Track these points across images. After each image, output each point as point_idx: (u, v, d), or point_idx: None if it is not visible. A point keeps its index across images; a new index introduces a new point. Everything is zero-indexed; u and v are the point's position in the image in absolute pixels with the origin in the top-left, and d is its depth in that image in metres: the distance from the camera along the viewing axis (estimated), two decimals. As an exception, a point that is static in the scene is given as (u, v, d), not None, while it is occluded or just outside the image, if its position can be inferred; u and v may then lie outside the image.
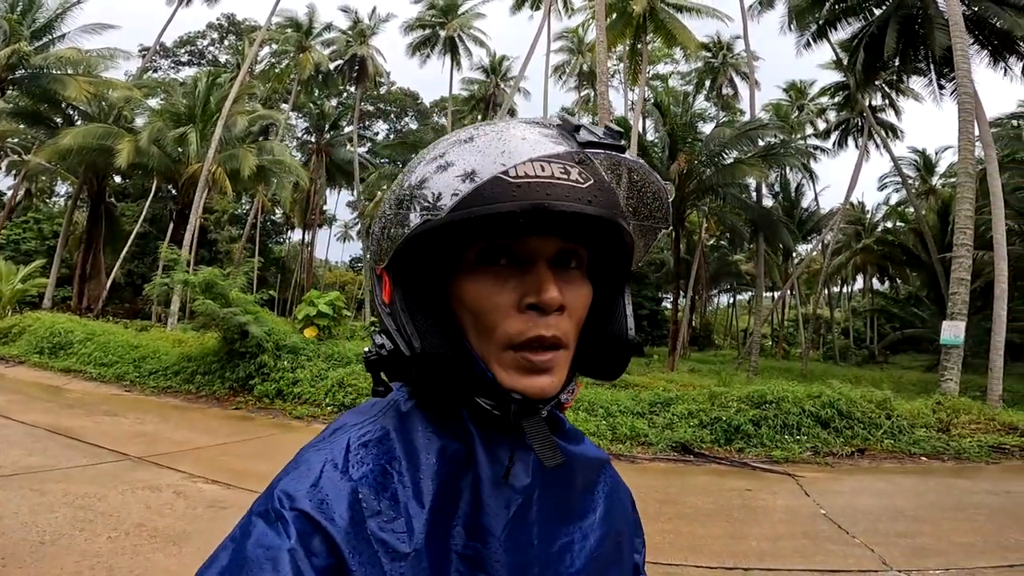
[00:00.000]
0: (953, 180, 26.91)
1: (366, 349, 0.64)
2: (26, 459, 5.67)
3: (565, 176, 0.55)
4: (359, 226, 39.43)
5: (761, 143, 20.15)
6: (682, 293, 24.14)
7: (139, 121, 23.71)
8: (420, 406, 0.62)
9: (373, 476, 0.56)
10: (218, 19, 46.62)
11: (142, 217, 28.28)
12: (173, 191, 25.07)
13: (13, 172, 24.50)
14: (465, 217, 0.53)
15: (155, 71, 43.06)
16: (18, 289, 18.41)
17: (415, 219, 0.55)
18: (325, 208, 47.04)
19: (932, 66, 19.06)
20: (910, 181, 31.48)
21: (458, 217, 0.53)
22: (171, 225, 23.21)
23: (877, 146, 27.57)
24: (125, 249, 26.20)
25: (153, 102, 25.90)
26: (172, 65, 46.63)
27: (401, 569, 0.52)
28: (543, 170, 0.55)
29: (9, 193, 27.92)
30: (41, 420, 7.39)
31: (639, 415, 8.44)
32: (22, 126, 22.77)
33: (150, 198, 28.42)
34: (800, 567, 3.98)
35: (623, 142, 0.53)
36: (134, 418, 8.14)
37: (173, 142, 21.33)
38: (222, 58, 44.90)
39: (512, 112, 35.98)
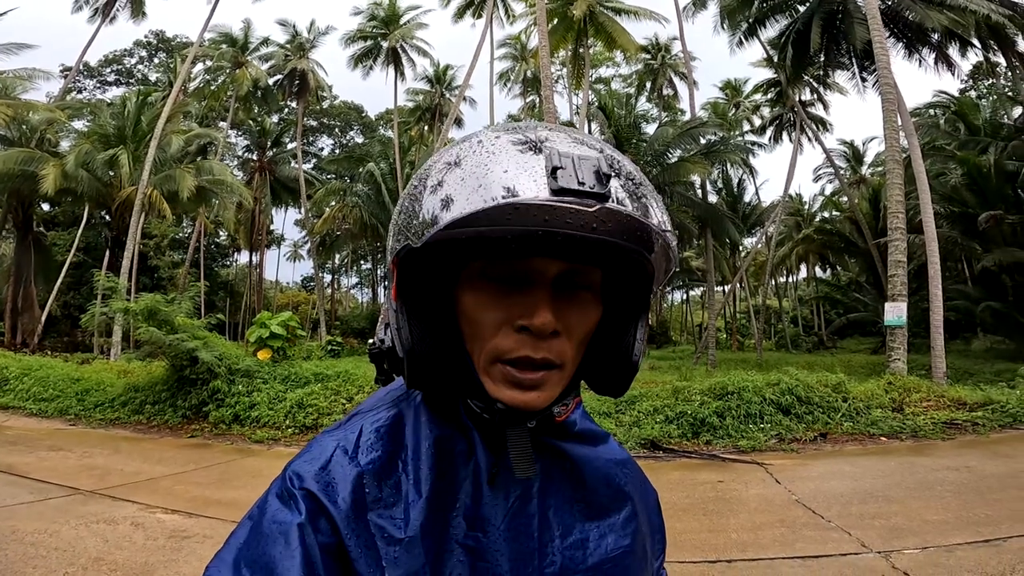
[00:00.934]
0: (881, 169, 28.34)
1: (371, 341, 0.67)
2: (-37, 499, 5.28)
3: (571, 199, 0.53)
4: (309, 244, 38.48)
5: (703, 141, 20.72)
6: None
7: (64, 144, 22.55)
8: (426, 400, 0.64)
9: (380, 463, 0.59)
10: (146, 36, 45.01)
11: (75, 246, 26.89)
12: (107, 217, 23.89)
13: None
14: (456, 237, 0.53)
15: (79, 92, 41.16)
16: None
17: (402, 240, 0.57)
18: (272, 228, 45.85)
19: (854, 60, 20.01)
20: (842, 171, 33.01)
21: (442, 237, 0.52)
22: (107, 253, 22.11)
23: (809, 139, 28.81)
24: (59, 280, 24.87)
25: (79, 124, 24.68)
26: (98, 85, 44.64)
27: (395, 553, 0.55)
28: None
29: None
30: (-24, 459, 6.88)
31: (605, 415, 8.44)
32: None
33: (82, 225, 27.03)
34: (782, 555, 4.01)
35: (608, 189, 0.50)
36: (81, 452, 7.68)
37: (103, 165, 20.33)
38: (152, 76, 43.20)
39: (459, 122, 35.91)
